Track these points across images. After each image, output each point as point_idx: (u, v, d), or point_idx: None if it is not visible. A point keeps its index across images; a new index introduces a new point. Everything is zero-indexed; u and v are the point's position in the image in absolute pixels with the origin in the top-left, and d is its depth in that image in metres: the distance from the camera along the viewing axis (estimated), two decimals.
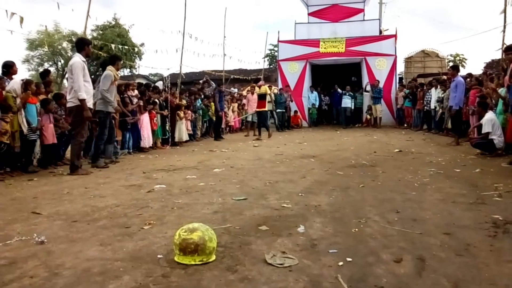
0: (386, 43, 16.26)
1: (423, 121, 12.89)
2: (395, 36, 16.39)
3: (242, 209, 3.53)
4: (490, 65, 19.79)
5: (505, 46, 7.77)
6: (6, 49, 40.45)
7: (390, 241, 2.61)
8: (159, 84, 12.97)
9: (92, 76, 7.56)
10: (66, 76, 12.25)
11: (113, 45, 14.05)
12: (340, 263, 2.25)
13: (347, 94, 16.03)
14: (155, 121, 9.31)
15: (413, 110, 13.76)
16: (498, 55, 10.59)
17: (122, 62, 7.70)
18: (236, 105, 15.25)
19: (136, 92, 8.81)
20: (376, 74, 15.85)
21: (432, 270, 2.15)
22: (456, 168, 5.55)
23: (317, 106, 17.09)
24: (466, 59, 30.71)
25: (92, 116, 6.07)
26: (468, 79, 10.20)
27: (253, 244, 2.60)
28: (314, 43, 16.73)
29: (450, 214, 3.25)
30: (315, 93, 17.01)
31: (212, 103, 12.32)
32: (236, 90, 20.15)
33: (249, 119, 13.91)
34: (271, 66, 29.41)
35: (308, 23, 18.34)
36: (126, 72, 28.72)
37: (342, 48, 16.40)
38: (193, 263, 2.27)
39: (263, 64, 23.55)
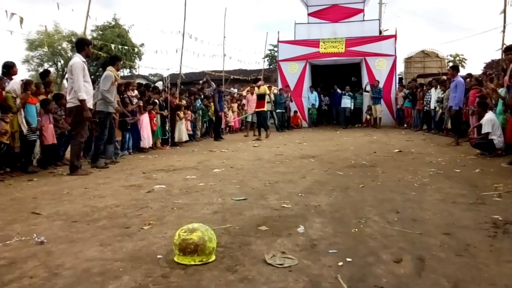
0: (386, 43, 16.27)
1: (423, 121, 12.90)
2: (395, 36, 16.40)
3: (242, 209, 3.53)
4: (490, 65, 19.82)
5: (505, 46, 7.78)
6: (6, 49, 40.51)
7: (390, 241, 2.61)
8: (159, 85, 12.97)
9: (92, 77, 7.56)
10: (66, 76, 12.25)
11: (113, 46, 14.05)
12: (340, 263, 2.25)
13: (346, 94, 16.03)
14: (155, 121, 9.31)
15: (413, 110, 13.76)
16: (498, 55, 10.61)
17: (122, 62, 7.70)
18: (236, 105, 15.27)
19: (136, 92, 8.81)
20: (376, 75, 15.86)
21: (432, 270, 2.15)
22: (456, 168, 5.55)
23: (317, 106, 17.11)
24: (466, 59, 30.72)
25: (92, 117, 6.07)
26: (468, 79, 10.20)
27: (253, 244, 2.60)
28: (314, 43, 16.74)
29: (450, 214, 3.25)
30: (315, 93, 17.02)
31: (212, 104, 12.34)
32: (236, 90, 20.15)
33: (249, 119, 13.92)
34: (271, 67, 29.42)
35: (308, 23, 18.36)
36: (126, 72, 28.74)
37: (342, 48, 16.41)
38: (192, 263, 2.27)
39: (263, 65, 23.58)
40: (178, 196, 4.12)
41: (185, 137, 10.57)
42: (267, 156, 7.35)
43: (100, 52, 13.20)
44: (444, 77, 12.46)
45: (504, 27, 9.56)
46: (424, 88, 12.64)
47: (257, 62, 56.74)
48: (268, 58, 30.20)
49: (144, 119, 8.83)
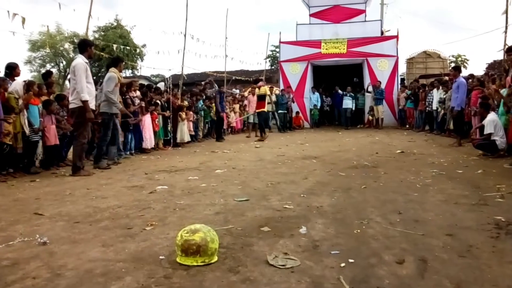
0: (388, 44, 16.27)
1: (425, 122, 12.88)
2: (396, 37, 16.39)
3: (244, 210, 3.53)
4: (492, 66, 19.78)
5: (507, 47, 7.78)
6: (8, 50, 40.62)
7: (392, 242, 2.61)
8: (161, 85, 12.96)
9: (94, 78, 7.57)
10: (68, 77, 12.26)
11: (115, 46, 14.04)
12: (342, 264, 2.25)
13: (347, 95, 16.03)
14: (157, 122, 9.31)
15: (415, 111, 13.75)
16: (500, 56, 10.53)
17: (124, 63, 7.71)
18: (238, 106, 15.28)
19: (138, 93, 8.82)
20: (378, 75, 15.85)
21: (434, 271, 2.15)
22: (458, 169, 5.54)
23: (318, 107, 17.12)
24: (468, 60, 30.58)
25: (94, 118, 6.09)
26: (470, 80, 10.17)
27: (255, 245, 2.60)
28: (316, 44, 16.75)
29: (453, 215, 3.25)
30: (316, 94, 17.03)
31: (213, 104, 12.35)
32: (237, 91, 20.16)
33: (251, 120, 13.93)
34: (273, 67, 29.38)
35: (310, 24, 18.35)
36: (128, 73, 28.74)
37: (344, 49, 16.40)
38: (195, 264, 2.27)
39: (265, 65, 23.55)
40: (180, 197, 4.12)
41: (187, 138, 10.58)
42: (269, 157, 7.35)
43: (102, 53, 13.20)
44: (446, 78, 12.46)
45: (506, 27, 9.54)
46: (426, 88, 12.62)
47: (259, 63, 56.71)
48: (270, 59, 30.17)
49: (146, 120, 8.84)
